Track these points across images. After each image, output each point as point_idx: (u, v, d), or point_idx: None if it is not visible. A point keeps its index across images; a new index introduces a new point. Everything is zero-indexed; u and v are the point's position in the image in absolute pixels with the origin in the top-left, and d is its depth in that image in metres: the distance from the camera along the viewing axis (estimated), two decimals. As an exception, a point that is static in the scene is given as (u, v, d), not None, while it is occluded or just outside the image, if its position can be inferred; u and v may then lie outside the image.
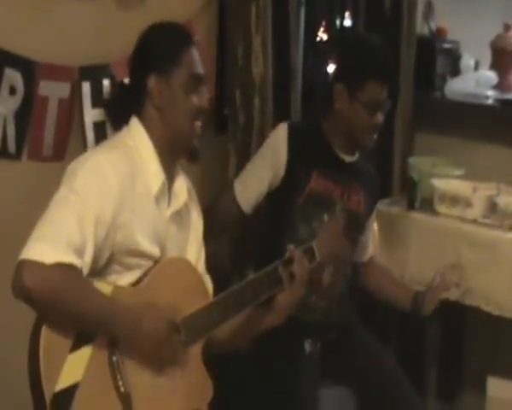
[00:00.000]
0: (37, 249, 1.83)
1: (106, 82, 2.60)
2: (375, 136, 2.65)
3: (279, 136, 2.66)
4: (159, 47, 2.12)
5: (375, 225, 2.97)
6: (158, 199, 2.12)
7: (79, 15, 2.57)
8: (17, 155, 2.45)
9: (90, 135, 2.59)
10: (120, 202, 1.99)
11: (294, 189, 2.64)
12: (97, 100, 2.57)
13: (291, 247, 2.23)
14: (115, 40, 2.65)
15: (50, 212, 1.91)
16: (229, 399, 2.46)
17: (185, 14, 2.87)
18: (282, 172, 2.64)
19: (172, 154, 2.16)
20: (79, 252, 1.89)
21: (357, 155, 2.74)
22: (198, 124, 2.15)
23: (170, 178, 2.16)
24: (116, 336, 1.94)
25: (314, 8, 3.61)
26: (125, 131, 2.15)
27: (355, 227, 2.70)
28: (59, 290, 1.84)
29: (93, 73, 2.58)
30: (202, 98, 2.14)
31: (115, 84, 2.43)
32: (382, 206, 3.17)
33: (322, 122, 2.71)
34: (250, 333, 2.28)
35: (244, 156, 2.97)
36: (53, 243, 1.85)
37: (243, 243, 2.98)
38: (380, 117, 2.61)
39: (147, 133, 2.12)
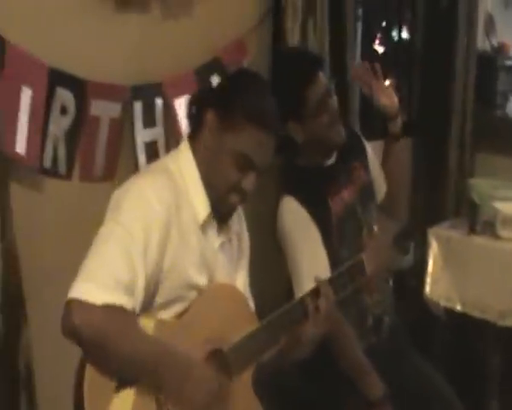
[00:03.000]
0: (86, 289, 1.80)
1: (158, 101, 2.56)
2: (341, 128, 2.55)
3: (293, 208, 2.51)
4: (237, 97, 1.99)
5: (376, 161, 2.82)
6: (205, 228, 2.05)
7: (131, 34, 2.53)
8: (67, 175, 2.42)
9: (141, 155, 2.55)
10: (166, 232, 1.93)
11: (325, 226, 2.54)
12: (149, 120, 2.53)
13: (318, 277, 2.14)
14: (167, 58, 2.62)
15: (98, 248, 1.87)
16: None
17: (238, 32, 2.82)
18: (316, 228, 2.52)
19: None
20: (129, 289, 1.85)
21: (334, 155, 2.65)
22: (234, 198, 2.03)
23: (218, 208, 2.07)
24: (161, 383, 1.88)
25: (370, 21, 3.55)
26: (172, 154, 2.09)
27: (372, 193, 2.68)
28: (106, 334, 1.80)
29: (145, 92, 2.54)
30: (245, 181, 2.00)
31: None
32: (441, 229, 3.07)
33: (296, 160, 2.62)
34: (280, 362, 2.19)
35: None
36: (102, 282, 1.81)
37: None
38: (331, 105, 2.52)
39: (195, 161, 2.04)
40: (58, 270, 2.33)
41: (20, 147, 2.27)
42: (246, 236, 2.26)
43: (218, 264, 2.09)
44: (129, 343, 1.84)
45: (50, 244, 2.41)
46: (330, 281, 2.15)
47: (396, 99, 2.66)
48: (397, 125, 2.69)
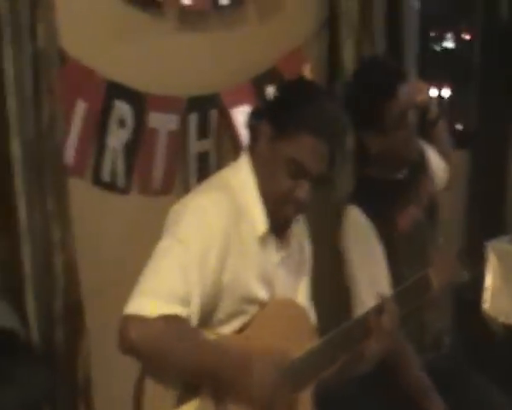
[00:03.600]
0: (141, 304, 1.80)
1: (213, 112, 2.56)
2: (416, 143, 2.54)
3: (357, 220, 2.47)
4: (291, 106, 1.97)
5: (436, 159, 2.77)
6: (264, 243, 2.03)
7: (188, 46, 2.54)
8: (126, 189, 2.44)
9: (192, 167, 2.55)
10: (225, 246, 1.92)
11: (390, 242, 2.48)
12: (203, 131, 2.54)
13: (381, 294, 2.10)
14: (224, 69, 2.62)
15: (154, 263, 1.87)
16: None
17: (295, 42, 2.81)
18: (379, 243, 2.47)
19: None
20: (185, 301, 1.84)
21: (404, 171, 2.59)
22: (289, 209, 2.00)
23: (279, 222, 2.04)
24: (223, 386, 1.88)
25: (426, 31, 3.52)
26: (231, 167, 2.07)
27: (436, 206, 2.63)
28: (163, 341, 1.79)
29: (201, 103, 2.55)
30: (298, 189, 1.97)
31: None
32: (501, 243, 3.01)
33: (367, 170, 2.58)
34: (341, 378, 2.16)
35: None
36: (157, 296, 1.81)
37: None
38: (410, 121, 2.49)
39: (253, 174, 2.02)
40: (116, 282, 2.35)
41: (70, 158, 2.31)
42: (307, 249, 2.24)
43: (278, 278, 2.07)
44: (186, 348, 1.82)
45: (109, 257, 2.43)
46: (394, 297, 2.11)
47: (426, 88, 2.65)
48: (433, 112, 2.68)
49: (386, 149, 2.47)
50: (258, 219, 2.00)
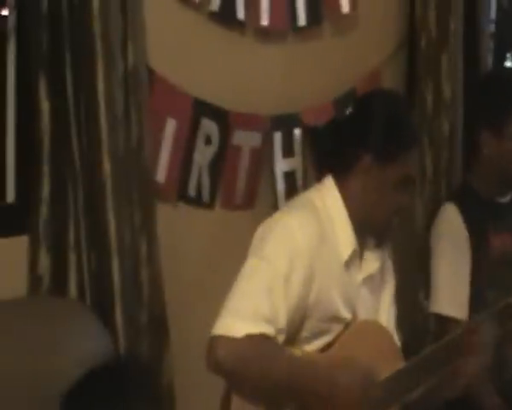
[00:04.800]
0: (229, 324, 1.85)
1: (296, 131, 2.59)
2: None
3: (454, 219, 2.53)
4: (378, 133, 2.03)
5: None
6: (348, 264, 2.06)
7: (271, 66, 2.59)
8: (211, 204, 2.48)
9: (280, 185, 2.59)
10: (310, 266, 1.96)
11: (479, 261, 2.51)
12: (288, 149, 2.57)
13: (477, 316, 2.12)
14: (304, 88, 2.66)
15: (241, 284, 1.91)
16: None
17: (374, 62, 2.84)
18: (468, 254, 2.51)
19: (364, 228, 2.10)
20: (271, 321, 1.88)
21: (509, 196, 2.61)
22: (395, 219, 2.10)
23: (361, 244, 2.10)
24: (310, 402, 1.89)
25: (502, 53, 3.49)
26: (316, 189, 2.11)
27: None
28: (250, 360, 1.85)
29: (284, 122, 2.58)
30: (407, 199, 2.09)
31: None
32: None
33: (470, 176, 2.60)
34: (430, 402, 2.17)
35: (433, 208, 2.86)
36: (244, 316, 1.86)
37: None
38: None
39: (342, 200, 2.06)
40: (201, 296, 2.39)
41: (161, 176, 2.36)
42: (389, 268, 2.26)
43: (360, 298, 2.10)
44: (273, 366, 1.86)
45: (193, 270, 2.47)
46: (484, 319, 2.11)
47: None
48: None
49: (499, 158, 2.48)
50: (345, 242, 2.04)
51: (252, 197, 2.55)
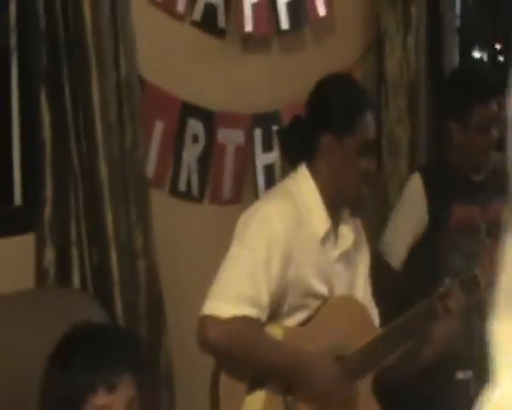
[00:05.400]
0: (216, 306, 2.05)
1: (275, 128, 2.77)
2: (492, 152, 2.71)
3: (414, 187, 2.74)
4: (337, 109, 2.23)
5: None
6: (324, 242, 2.24)
7: (253, 70, 2.78)
8: (200, 199, 2.67)
9: (260, 178, 2.77)
10: (288, 248, 2.14)
11: (440, 228, 2.71)
12: (267, 145, 2.76)
13: (446, 281, 2.27)
14: (282, 87, 2.84)
15: (225, 269, 2.11)
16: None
17: (347, 61, 3.03)
18: (424, 220, 2.73)
19: (338, 204, 2.27)
20: (254, 302, 2.08)
21: (483, 175, 2.79)
22: (364, 188, 2.24)
23: (336, 222, 2.27)
24: (288, 380, 2.11)
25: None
26: (291, 177, 2.29)
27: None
28: (236, 339, 2.05)
29: (264, 120, 2.77)
30: (371, 163, 2.24)
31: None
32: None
33: (447, 157, 2.81)
34: (407, 367, 2.35)
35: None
36: (229, 298, 2.07)
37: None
38: (494, 132, 2.68)
39: (314, 183, 2.23)
40: (194, 283, 2.57)
41: (151, 172, 2.54)
42: (364, 246, 2.43)
43: (336, 274, 2.28)
44: (256, 345, 2.09)
45: (185, 259, 2.66)
46: (460, 283, 2.26)
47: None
48: None
49: (465, 144, 2.68)
50: (320, 220, 2.23)
51: (238, 191, 2.74)
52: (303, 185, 2.25)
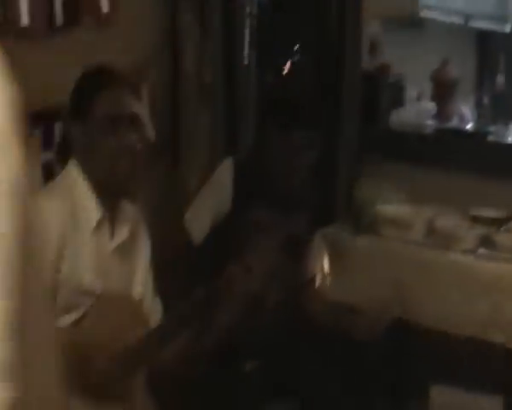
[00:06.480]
0: None
1: (57, 126, 2.74)
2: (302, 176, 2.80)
3: (224, 172, 2.81)
4: (72, 94, 2.28)
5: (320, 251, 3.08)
6: (98, 234, 2.23)
7: (28, 62, 2.67)
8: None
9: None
10: (61, 243, 2.12)
11: (237, 220, 2.77)
12: (48, 143, 2.72)
13: (230, 265, 2.30)
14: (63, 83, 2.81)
15: None
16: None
17: (137, 58, 3.05)
18: (227, 205, 2.79)
19: (107, 191, 2.25)
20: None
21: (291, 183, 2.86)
22: (121, 165, 2.21)
23: (112, 212, 2.27)
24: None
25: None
26: (61, 176, 2.31)
27: (294, 250, 2.82)
28: None
29: (44, 117, 2.69)
30: (122, 138, 2.21)
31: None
32: (329, 231, 3.31)
33: (263, 156, 2.87)
34: (194, 351, 2.40)
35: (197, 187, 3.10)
36: None
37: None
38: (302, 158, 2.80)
39: (82, 174, 2.24)
40: None
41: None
42: (145, 237, 2.43)
43: (111, 268, 2.26)
44: None
45: None
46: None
47: None
48: None
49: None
50: (91, 210, 2.22)
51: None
52: (70, 178, 2.26)
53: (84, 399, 2.10)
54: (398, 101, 3.98)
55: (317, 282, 3.03)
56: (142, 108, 2.47)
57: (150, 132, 2.94)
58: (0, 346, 0.84)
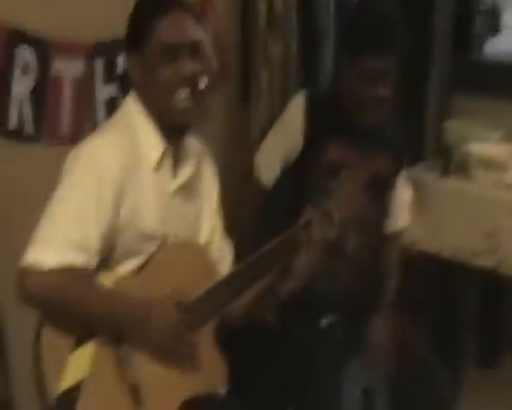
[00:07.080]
0: (37, 253, 1.85)
1: (120, 58, 2.56)
2: (378, 110, 2.53)
3: (295, 107, 2.59)
4: (129, 23, 2.09)
5: (405, 196, 2.85)
6: (159, 173, 2.08)
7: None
8: (35, 137, 2.43)
9: (100, 113, 2.56)
10: (121, 187, 1.98)
11: (312, 161, 2.56)
12: (110, 76, 2.55)
13: (308, 209, 2.17)
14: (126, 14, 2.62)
15: (50, 211, 1.91)
16: (248, 373, 2.42)
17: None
18: (298, 145, 2.57)
19: (170, 126, 2.09)
20: (81, 247, 1.89)
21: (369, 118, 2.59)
22: (180, 96, 2.03)
23: (174, 149, 2.11)
24: (123, 332, 1.93)
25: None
26: (120, 110, 2.13)
27: (377, 192, 2.60)
28: (59, 294, 1.86)
29: (107, 49, 2.55)
30: (181, 68, 2.03)
31: None
32: (415, 172, 3.09)
33: (338, 90, 2.62)
34: (269, 302, 2.26)
35: (267, 125, 2.91)
36: (52, 243, 1.86)
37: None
38: (377, 89, 2.47)
39: (143, 107, 2.07)
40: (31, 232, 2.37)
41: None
42: (212, 177, 2.29)
43: (175, 213, 2.12)
44: (83, 297, 1.89)
45: (22, 208, 2.41)
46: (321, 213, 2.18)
47: None
48: None
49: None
50: (152, 146, 2.06)
51: (78, 129, 2.50)
52: (131, 113, 2.09)
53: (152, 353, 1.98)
54: (493, 28, 3.67)
55: (399, 226, 2.81)
56: (205, 38, 2.24)
57: (213, 65, 2.73)
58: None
